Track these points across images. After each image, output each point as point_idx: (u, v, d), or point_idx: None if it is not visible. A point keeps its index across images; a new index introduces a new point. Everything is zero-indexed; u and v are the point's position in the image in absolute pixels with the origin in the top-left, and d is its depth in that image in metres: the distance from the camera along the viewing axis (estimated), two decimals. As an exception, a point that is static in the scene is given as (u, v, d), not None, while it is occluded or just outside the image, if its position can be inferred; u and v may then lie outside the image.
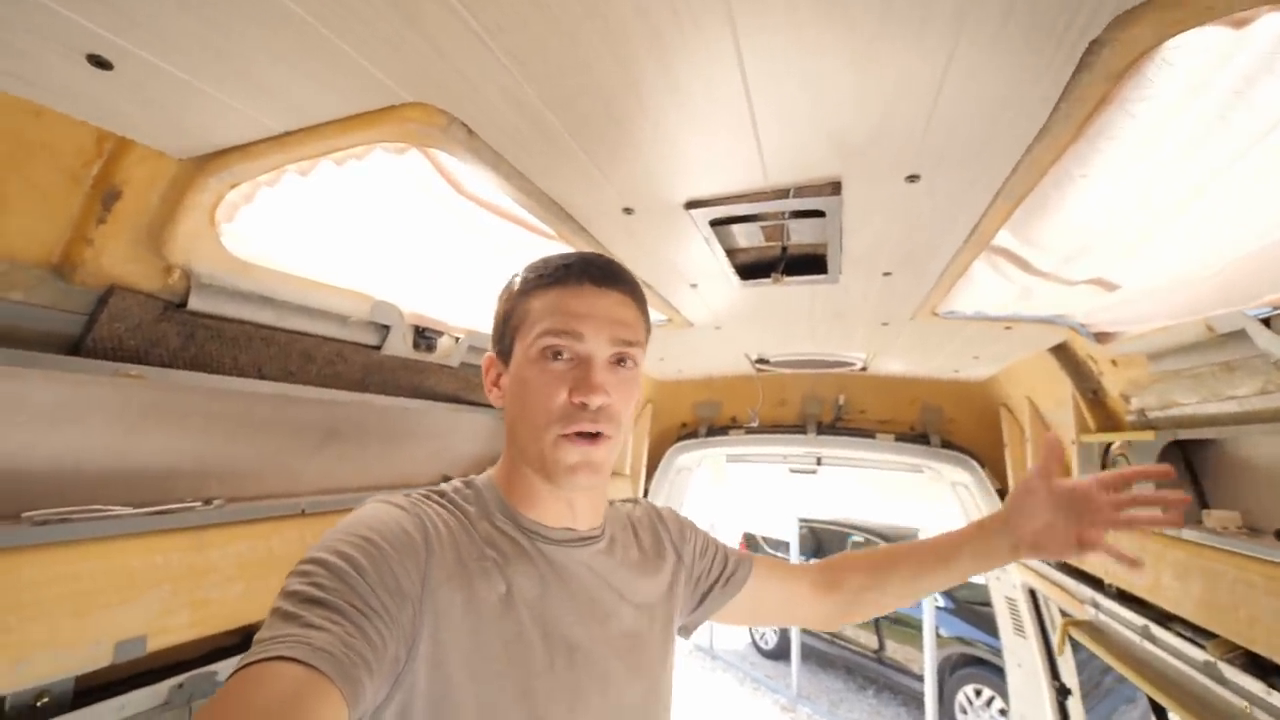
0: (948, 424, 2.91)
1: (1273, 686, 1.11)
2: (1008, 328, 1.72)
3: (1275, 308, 0.96)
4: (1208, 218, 0.80)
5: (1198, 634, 1.35)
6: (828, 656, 7.62)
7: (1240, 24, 0.52)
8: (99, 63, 0.62)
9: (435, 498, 0.71)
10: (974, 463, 2.80)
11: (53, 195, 0.77)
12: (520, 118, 0.75)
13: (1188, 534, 1.35)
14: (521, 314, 0.72)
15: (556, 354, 0.69)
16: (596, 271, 0.72)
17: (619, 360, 0.72)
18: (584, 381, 0.68)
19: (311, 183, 0.89)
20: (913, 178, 0.88)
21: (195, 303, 0.97)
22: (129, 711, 0.94)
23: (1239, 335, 1.10)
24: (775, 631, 8.20)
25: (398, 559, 0.59)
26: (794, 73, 0.64)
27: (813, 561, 1.02)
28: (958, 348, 2.16)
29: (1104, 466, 1.78)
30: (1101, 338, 1.53)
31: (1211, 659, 1.26)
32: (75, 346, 0.88)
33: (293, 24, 0.57)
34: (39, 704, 0.82)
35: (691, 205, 1.00)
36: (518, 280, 0.75)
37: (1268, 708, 1.12)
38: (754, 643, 8.51)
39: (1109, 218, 0.85)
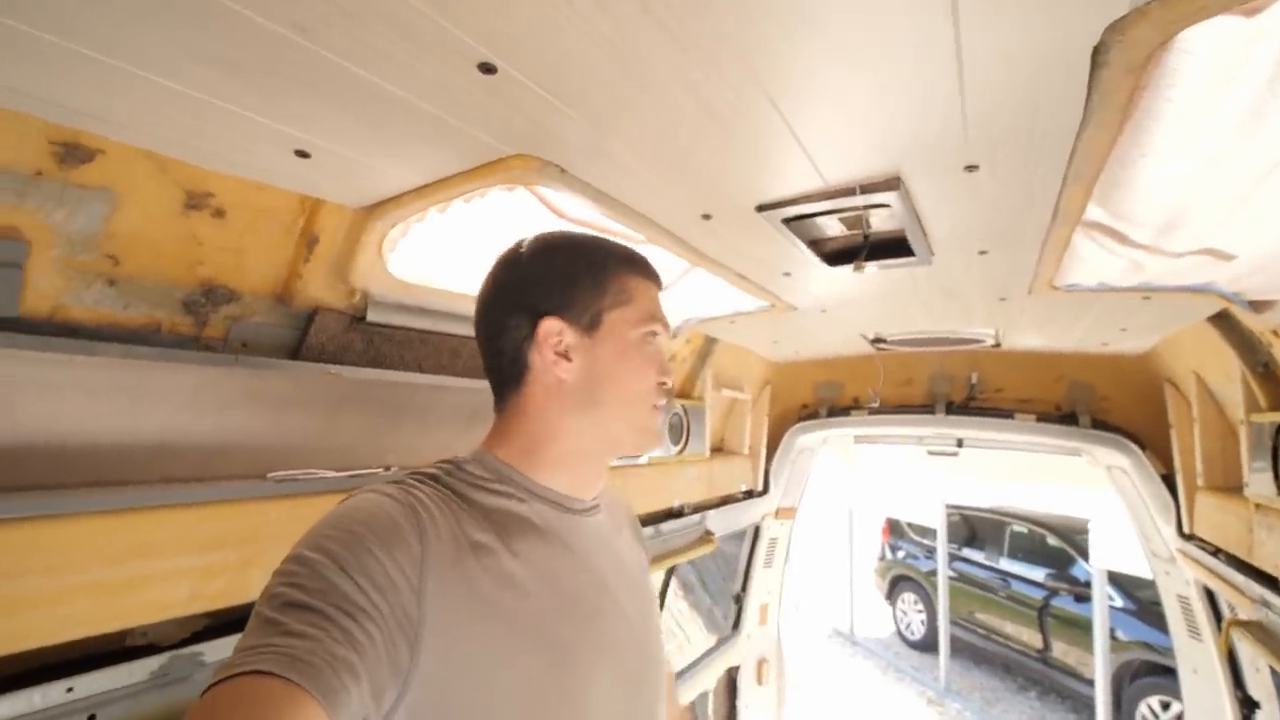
0: (1100, 402, 2.65)
1: None
2: (1145, 298, 1.58)
3: None
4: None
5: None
6: (983, 652, 7.13)
7: (1252, 12, 0.54)
8: (302, 154, 0.87)
9: (429, 481, 0.69)
10: (1133, 445, 2.53)
11: (275, 245, 1.07)
12: (599, 155, 0.91)
13: (1365, 526, 1.20)
14: (621, 290, 0.77)
15: (654, 338, 0.79)
16: (658, 276, 0.84)
17: None
18: (667, 367, 0.80)
19: (449, 217, 1.12)
20: (971, 168, 0.91)
21: (372, 315, 1.25)
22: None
23: (1404, 301, 0.97)
24: (923, 621, 7.82)
25: (387, 551, 0.57)
26: (819, 98, 0.73)
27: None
28: (1096, 320, 1.99)
29: (1275, 450, 1.58)
30: (1258, 306, 1.37)
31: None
32: (295, 353, 1.19)
33: (420, 113, 0.77)
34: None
35: (762, 208, 1.09)
36: (594, 251, 0.79)
37: None
38: (898, 631, 8.18)
39: (1185, 191, 0.81)
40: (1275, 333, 1.42)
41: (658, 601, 0.89)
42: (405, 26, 0.60)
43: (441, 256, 1.28)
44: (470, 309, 1.48)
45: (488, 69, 0.67)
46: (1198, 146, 0.72)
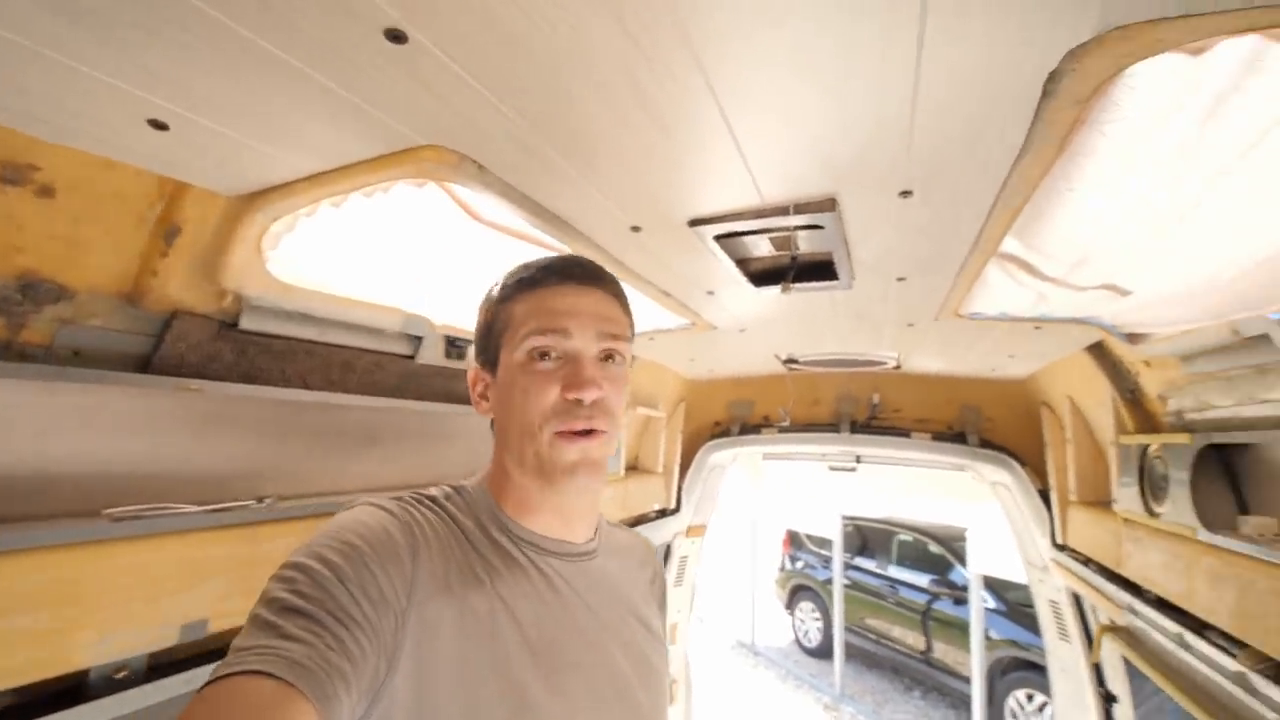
0: (986, 423, 2.85)
1: (1302, 699, 1.08)
2: (1037, 327, 1.69)
3: (1297, 312, 0.94)
4: (1208, 228, 0.79)
5: (1231, 643, 1.31)
6: (873, 656, 7.50)
7: (1198, 51, 0.54)
8: (157, 125, 0.71)
9: (427, 502, 0.69)
10: (1014, 462, 2.73)
11: (123, 234, 0.88)
12: (524, 153, 0.82)
13: (1222, 540, 1.31)
14: (505, 320, 0.72)
15: (544, 354, 0.69)
16: (578, 270, 0.73)
17: (606, 356, 0.71)
18: (575, 377, 0.68)
19: (344, 212, 0.98)
20: (905, 193, 0.90)
21: (246, 322, 1.07)
22: (194, 685, 1.05)
23: (1265, 339, 1.07)
24: (819, 629, 8.12)
25: (382, 567, 0.57)
26: (768, 105, 0.68)
27: None
28: (990, 346, 2.12)
29: (1142, 469, 1.73)
30: (1133, 338, 1.49)
31: (1242, 669, 1.23)
32: (145, 364, 0.99)
33: (314, 86, 0.65)
34: (118, 676, 0.93)
35: (695, 223, 1.04)
36: (497, 289, 0.75)
37: (1297, 720, 1.09)
38: (797, 640, 8.45)
39: (1104, 228, 0.85)
40: (1146, 363, 1.56)
41: (665, 662, 0.80)
42: (294, -28, 0.49)
43: (334, 256, 1.13)
44: (366, 316, 1.33)
45: (396, 36, 0.56)
46: (1124, 184, 0.74)
